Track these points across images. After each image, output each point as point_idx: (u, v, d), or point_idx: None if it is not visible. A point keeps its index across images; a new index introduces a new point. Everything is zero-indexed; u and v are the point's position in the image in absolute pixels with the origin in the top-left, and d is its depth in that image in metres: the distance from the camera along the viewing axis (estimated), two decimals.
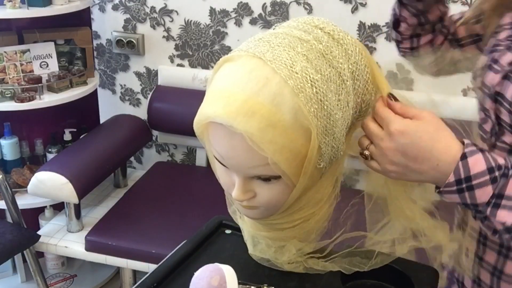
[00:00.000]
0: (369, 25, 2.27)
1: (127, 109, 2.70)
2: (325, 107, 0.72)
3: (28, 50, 2.25)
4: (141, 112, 2.61)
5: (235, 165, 0.75)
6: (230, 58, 0.76)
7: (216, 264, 0.80)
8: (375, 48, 2.29)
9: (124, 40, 2.56)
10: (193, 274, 0.81)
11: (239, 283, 0.79)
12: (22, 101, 2.13)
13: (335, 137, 0.75)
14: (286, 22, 0.81)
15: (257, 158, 0.72)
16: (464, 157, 0.72)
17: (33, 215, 2.36)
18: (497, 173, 0.72)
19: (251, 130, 0.70)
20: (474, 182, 0.72)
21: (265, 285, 0.88)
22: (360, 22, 2.27)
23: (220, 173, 0.81)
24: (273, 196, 0.77)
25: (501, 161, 0.73)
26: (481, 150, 0.73)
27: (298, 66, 0.71)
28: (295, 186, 0.76)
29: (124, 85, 2.68)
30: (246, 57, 0.74)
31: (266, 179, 0.75)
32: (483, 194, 0.72)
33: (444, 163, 0.73)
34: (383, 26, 2.25)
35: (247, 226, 0.93)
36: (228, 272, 0.79)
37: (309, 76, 0.71)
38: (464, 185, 0.72)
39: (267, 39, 0.75)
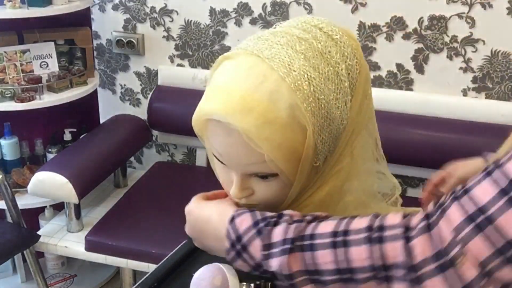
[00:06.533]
0: (369, 25, 2.27)
1: (127, 109, 2.70)
2: (323, 105, 0.72)
3: (28, 50, 2.25)
4: (141, 112, 2.61)
5: (233, 162, 0.75)
6: (229, 56, 0.76)
7: (217, 264, 0.80)
8: (375, 48, 2.29)
9: (124, 40, 2.56)
10: (193, 274, 0.81)
11: (240, 282, 0.80)
12: (22, 101, 2.13)
13: (332, 136, 0.74)
14: (286, 21, 0.81)
15: (254, 155, 0.72)
16: (232, 220, 0.72)
17: (33, 215, 2.36)
18: (261, 224, 0.70)
19: (248, 127, 0.70)
20: (244, 240, 0.70)
21: (262, 280, 0.88)
22: (360, 22, 2.27)
23: (219, 171, 0.81)
24: (271, 194, 0.77)
25: (269, 214, 0.72)
26: (251, 210, 0.73)
27: (296, 64, 0.71)
28: (292, 184, 0.75)
29: (124, 85, 2.68)
30: (245, 55, 0.74)
31: (264, 176, 0.75)
32: (255, 249, 0.70)
33: (220, 232, 0.74)
34: (383, 26, 2.25)
35: None
36: (230, 271, 0.79)
37: (307, 74, 0.71)
38: (238, 247, 0.71)
39: (266, 37, 0.76)
